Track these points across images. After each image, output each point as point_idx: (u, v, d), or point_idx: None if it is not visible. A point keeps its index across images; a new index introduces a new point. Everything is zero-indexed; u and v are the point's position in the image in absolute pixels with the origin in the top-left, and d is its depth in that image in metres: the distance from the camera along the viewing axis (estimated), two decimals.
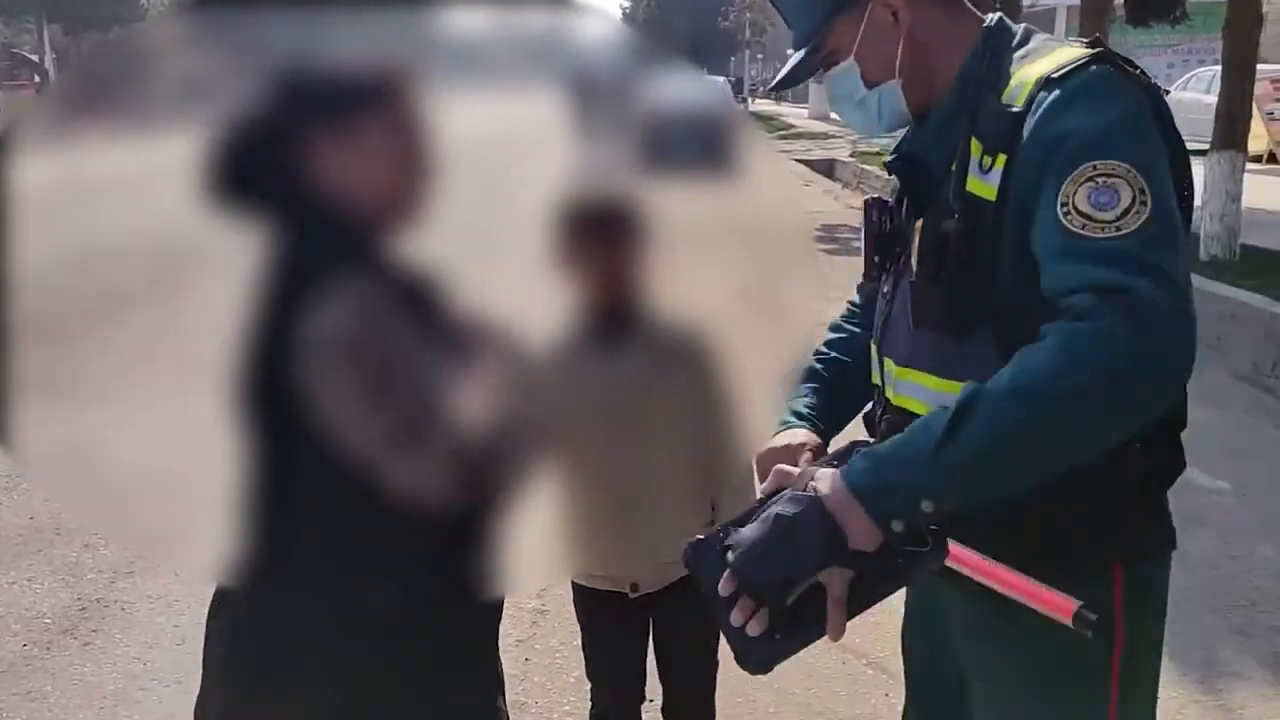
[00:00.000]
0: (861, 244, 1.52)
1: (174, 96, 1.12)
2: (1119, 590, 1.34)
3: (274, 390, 1.11)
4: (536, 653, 3.19)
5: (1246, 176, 8.58)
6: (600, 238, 1.23)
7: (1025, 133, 1.25)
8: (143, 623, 3.38)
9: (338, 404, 1.10)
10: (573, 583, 2.29)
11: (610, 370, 1.31)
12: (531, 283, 1.20)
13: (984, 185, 1.29)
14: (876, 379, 1.52)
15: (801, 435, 1.53)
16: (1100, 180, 1.18)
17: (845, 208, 11.99)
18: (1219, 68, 9.11)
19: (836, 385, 1.64)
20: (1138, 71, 1.30)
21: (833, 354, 1.67)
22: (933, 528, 1.15)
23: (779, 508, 1.17)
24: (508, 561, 1.30)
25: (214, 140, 1.07)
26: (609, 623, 2.25)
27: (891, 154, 1.51)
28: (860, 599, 1.16)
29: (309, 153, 1.12)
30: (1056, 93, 1.25)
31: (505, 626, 3.21)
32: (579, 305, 1.20)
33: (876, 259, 1.51)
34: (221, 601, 1.44)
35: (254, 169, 1.09)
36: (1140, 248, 1.16)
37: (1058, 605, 1.21)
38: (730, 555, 1.19)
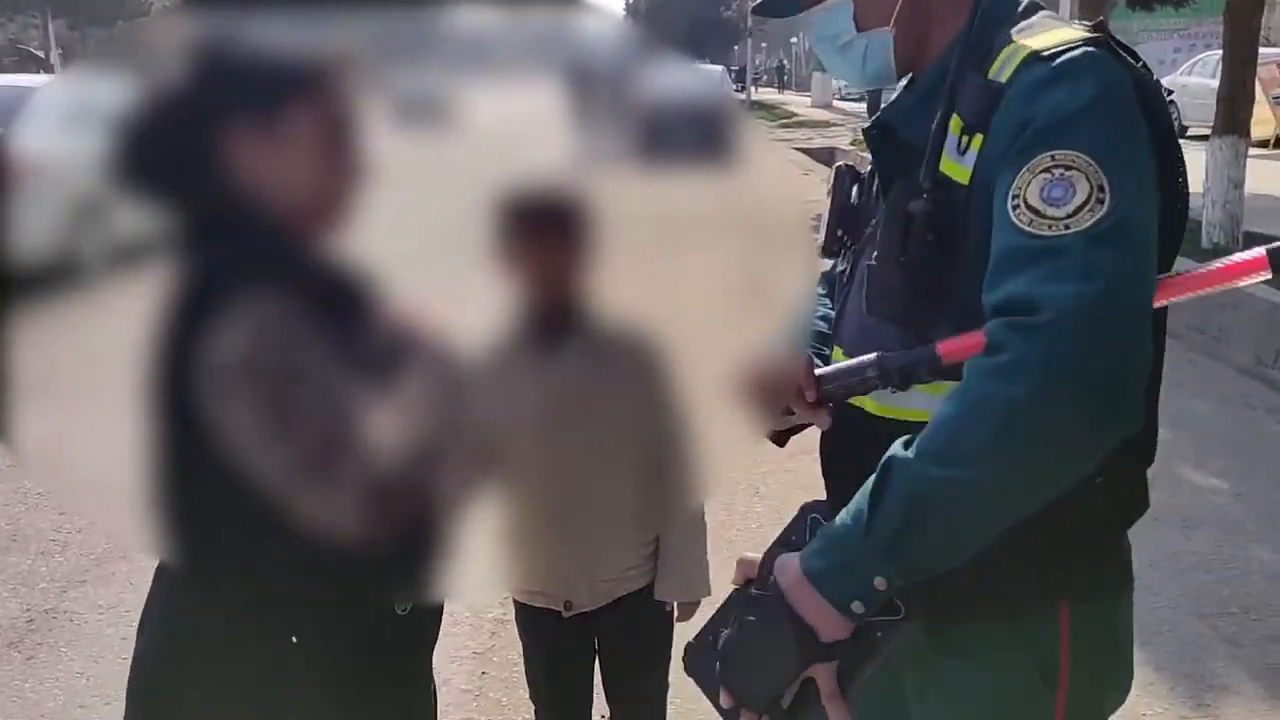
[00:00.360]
0: (824, 214, 1.40)
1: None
2: (1064, 633, 1.20)
3: (180, 399, 1.02)
4: (494, 666, 3.06)
5: (1251, 162, 8.41)
6: (541, 234, 1.15)
7: (1000, 111, 1.14)
8: (90, 635, 3.26)
9: (239, 429, 1.01)
10: (513, 599, 2.17)
11: (547, 373, 1.22)
12: (469, 282, 1.14)
13: (958, 167, 1.17)
14: None
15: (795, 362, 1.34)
16: (1057, 172, 1.06)
17: None
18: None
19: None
20: (1139, 64, 1.18)
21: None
22: (900, 595, 1.08)
23: (748, 612, 1.13)
24: (436, 574, 1.23)
25: (125, 124, 1.02)
26: (548, 641, 2.14)
27: (869, 122, 1.38)
28: (851, 681, 1.11)
29: (225, 145, 1.05)
30: (1039, 71, 1.13)
31: (463, 638, 3.16)
32: (518, 305, 1.15)
33: (840, 233, 1.38)
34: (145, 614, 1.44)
35: (164, 157, 1.03)
36: (1082, 245, 1.02)
37: (1250, 265, 1.09)
38: (718, 666, 1.16)
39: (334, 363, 1.03)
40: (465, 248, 1.12)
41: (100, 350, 1.05)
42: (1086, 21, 1.23)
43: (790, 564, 1.10)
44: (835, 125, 23.33)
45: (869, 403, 1.27)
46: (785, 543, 1.18)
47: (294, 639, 1.35)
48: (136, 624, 1.45)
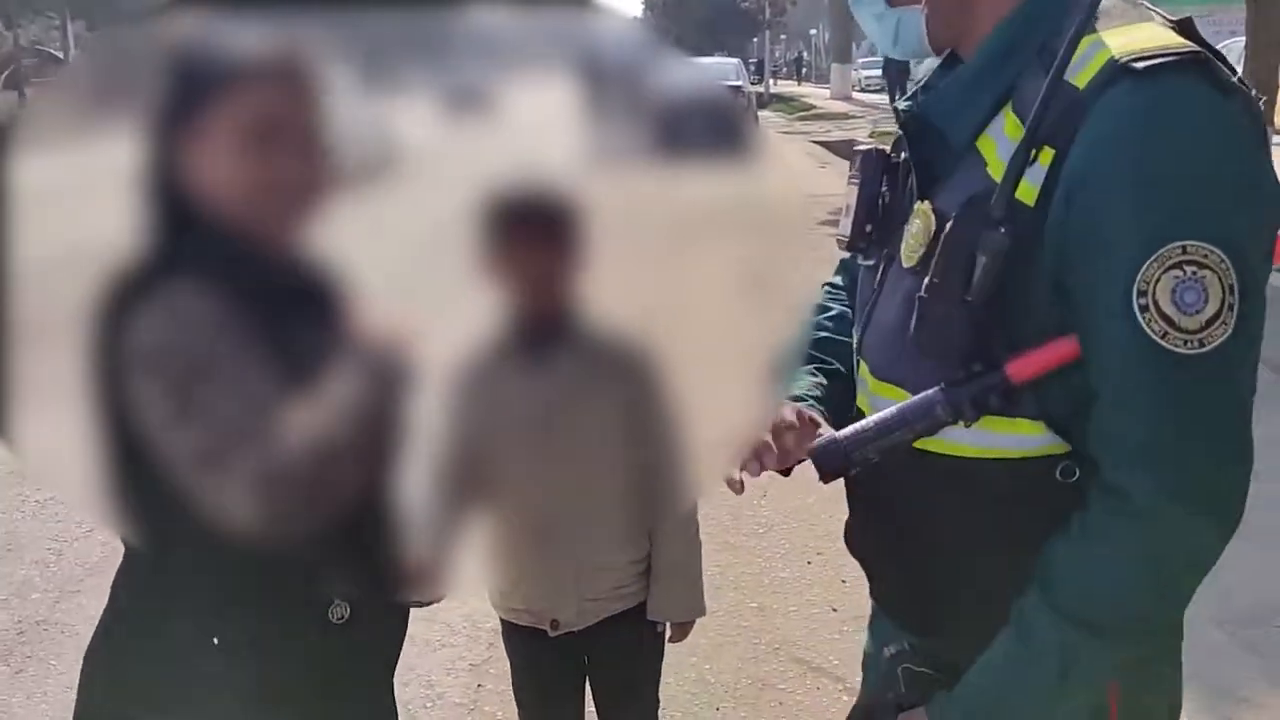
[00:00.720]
0: (852, 203, 1.27)
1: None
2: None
3: (110, 383, 1.03)
4: (490, 678, 2.97)
5: (1276, 150, 8.23)
6: (529, 238, 1.08)
7: (1084, 131, 1.01)
8: (82, 647, 3.17)
9: (147, 412, 1.02)
10: (499, 617, 2.09)
11: (534, 382, 1.16)
12: (455, 287, 1.10)
13: (1024, 185, 1.04)
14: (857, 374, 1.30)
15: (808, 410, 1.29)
16: (1189, 270, 0.98)
17: None
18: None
19: (836, 371, 1.44)
20: (1235, 78, 1.04)
21: (826, 334, 1.45)
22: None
23: None
24: (371, 582, 1.25)
25: None
26: (535, 661, 2.06)
27: (905, 104, 1.23)
28: None
29: (167, 140, 1.03)
30: (1136, 96, 1.00)
31: (459, 649, 3.08)
32: (506, 311, 1.11)
33: (868, 228, 1.26)
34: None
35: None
36: (1212, 372, 1.01)
37: None
38: None
39: (252, 356, 1.01)
40: (451, 252, 1.07)
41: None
42: (1170, 17, 1.09)
43: None
44: (854, 117, 23.14)
45: (868, 410, 1.20)
46: (886, 702, 1.18)
47: (215, 640, 1.30)
48: None
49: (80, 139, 1.04)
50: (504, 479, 1.25)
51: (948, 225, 1.08)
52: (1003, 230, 1.03)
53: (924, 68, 1.31)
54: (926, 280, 1.09)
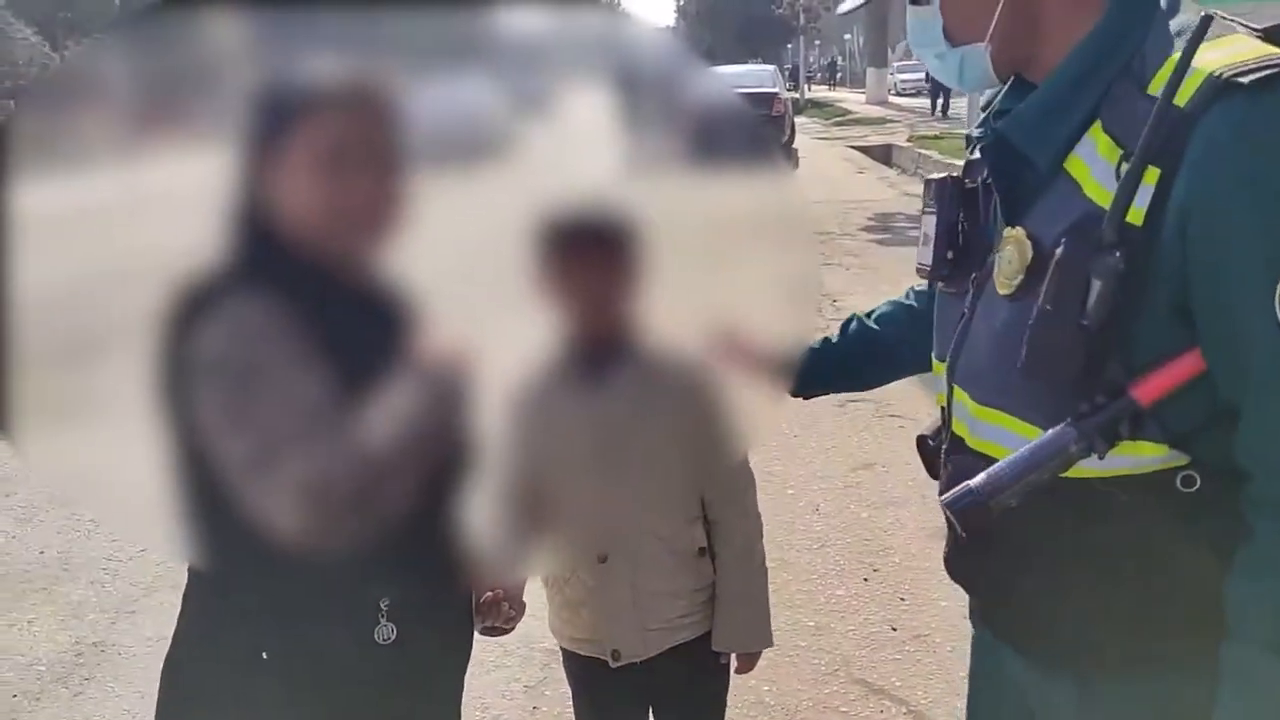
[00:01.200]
0: (931, 232, 1.29)
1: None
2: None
3: (179, 398, 1.05)
4: (546, 700, 2.95)
5: None
6: (586, 259, 1.08)
7: (1195, 147, 1.01)
8: (139, 669, 3.20)
9: (206, 421, 1.04)
10: (560, 645, 2.05)
11: (593, 408, 1.15)
12: (511, 308, 1.12)
13: (1132, 208, 1.04)
14: (943, 401, 1.31)
15: None
16: None
17: (901, 195, 11.64)
18: None
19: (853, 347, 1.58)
20: None
21: (858, 325, 1.61)
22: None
23: None
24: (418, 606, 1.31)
25: None
26: (597, 693, 2.01)
27: (979, 131, 1.25)
28: None
29: (250, 163, 1.06)
30: (1246, 110, 1.00)
31: (514, 669, 3.05)
32: (562, 334, 1.11)
33: (949, 255, 1.27)
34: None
35: None
36: None
37: None
38: None
39: (311, 368, 1.03)
40: (506, 274, 1.08)
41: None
42: (1254, 26, 1.08)
43: None
44: (891, 121, 23.00)
45: (968, 436, 1.22)
46: None
47: (264, 654, 1.30)
48: None
49: (126, 156, 1.05)
50: (561, 502, 1.23)
51: (1058, 252, 1.07)
52: (1117, 254, 1.03)
53: (989, 93, 1.32)
54: (1036, 306, 1.08)
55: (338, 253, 1.08)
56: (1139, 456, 1.08)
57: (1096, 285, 1.03)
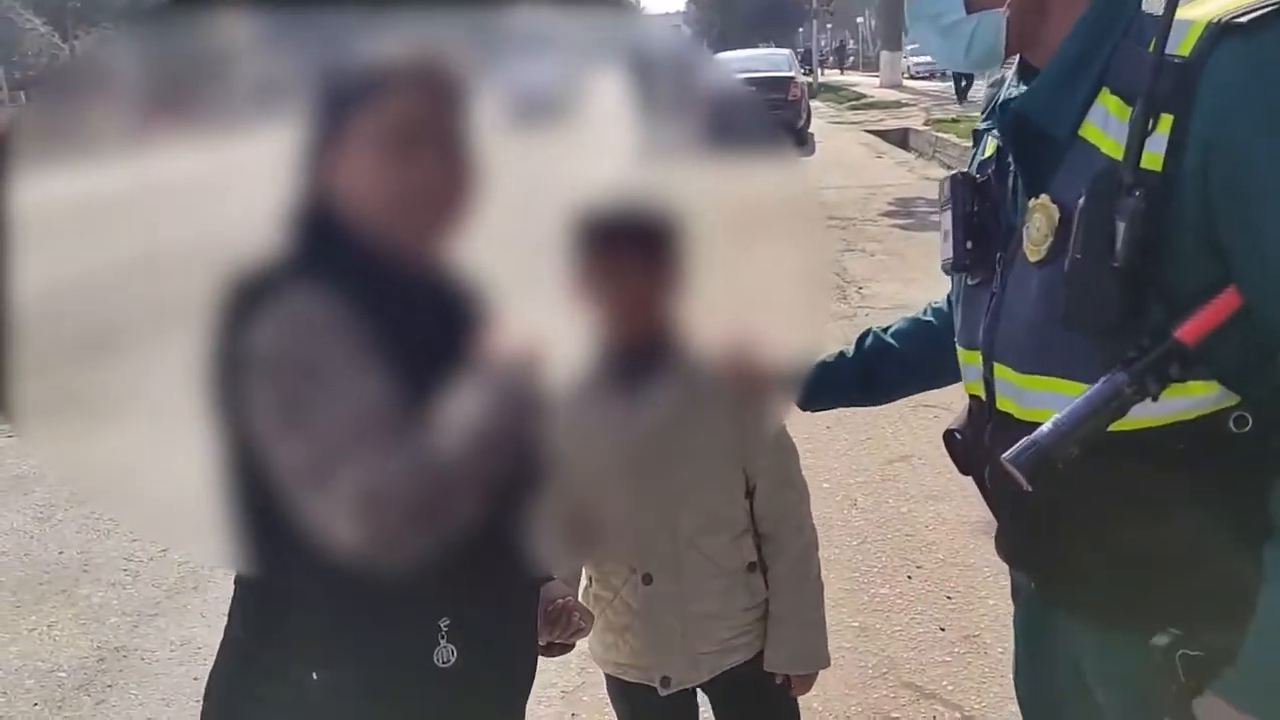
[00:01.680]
0: (950, 226, 1.34)
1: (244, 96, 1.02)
2: None
3: (232, 398, 0.98)
4: (584, 706, 2.86)
5: None
6: (625, 258, 1.02)
7: (1205, 91, 1.05)
8: (162, 675, 3.11)
9: (259, 422, 0.97)
10: (605, 672, 1.94)
11: (635, 413, 1.06)
12: (547, 309, 1.04)
13: (1148, 154, 1.08)
14: (975, 390, 1.32)
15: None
16: None
17: (920, 179, 11.49)
18: None
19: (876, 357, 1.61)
20: None
21: (873, 341, 1.64)
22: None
23: None
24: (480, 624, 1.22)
25: None
26: (644, 719, 1.89)
27: (990, 114, 1.30)
28: None
29: (312, 148, 1.00)
30: (1248, 47, 1.03)
31: (550, 674, 2.96)
32: (601, 336, 1.04)
33: (969, 244, 1.32)
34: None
35: None
36: None
37: None
38: None
39: (373, 367, 0.95)
40: (543, 272, 1.02)
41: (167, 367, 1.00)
42: None
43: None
44: (906, 105, 22.79)
45: (1016, 409, 1.23)
46: (1169, 695, 1.14)
47: (313, 675, 1.20)
48: (206, 662, 1.33)
49: (139, 145, 0.98)
50: (603, 515, 1.15)
51: (1080, 202, 1.11)
52: (1136, 194, 1.06)
53: (989, 91, 1.35)
54: (1068, 260, 1.12)
55: (403, 242, 1.01)
56: (1191, 397, 1.10)
57: (1121, 227, 1.06)
